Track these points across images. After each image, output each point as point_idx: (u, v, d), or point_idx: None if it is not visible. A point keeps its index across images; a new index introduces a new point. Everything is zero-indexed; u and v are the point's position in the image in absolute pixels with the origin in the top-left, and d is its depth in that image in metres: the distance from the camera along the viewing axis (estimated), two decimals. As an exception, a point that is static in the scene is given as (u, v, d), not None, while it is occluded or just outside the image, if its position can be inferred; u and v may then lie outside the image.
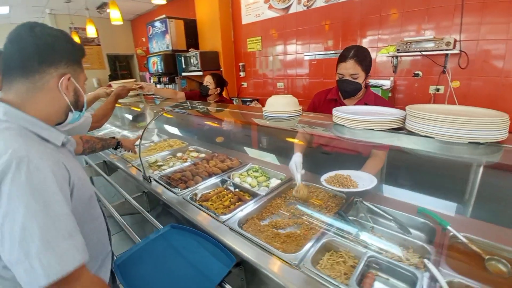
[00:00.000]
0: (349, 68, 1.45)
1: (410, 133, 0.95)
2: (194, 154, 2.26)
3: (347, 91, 1.53)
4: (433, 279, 0.87)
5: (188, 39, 4.71)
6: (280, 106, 1.32)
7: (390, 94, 2.90)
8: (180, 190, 1.60)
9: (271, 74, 4.15)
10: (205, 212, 1.36)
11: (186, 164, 2.02)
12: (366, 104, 1.57)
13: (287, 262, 0.98)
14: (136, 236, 1.35)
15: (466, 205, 1.26)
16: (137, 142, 1.88)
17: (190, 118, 2.98)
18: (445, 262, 0.94)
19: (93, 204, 0.92)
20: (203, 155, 2.24)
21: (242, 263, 1.08)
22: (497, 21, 2.23)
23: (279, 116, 1.32)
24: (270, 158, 2.11)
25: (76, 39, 5.53)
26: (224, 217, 1.28)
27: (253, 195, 1.54)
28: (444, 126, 0.82)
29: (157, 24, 4.69)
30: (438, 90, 2.65)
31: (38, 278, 0.59)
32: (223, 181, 1.72)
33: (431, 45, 2.36)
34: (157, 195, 1.63)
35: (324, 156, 1.57)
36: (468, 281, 0.86)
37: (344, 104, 1.60)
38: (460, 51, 2.38)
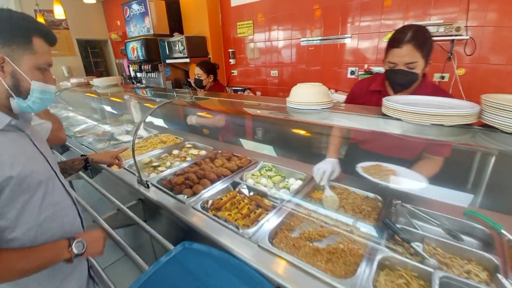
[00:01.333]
0: (405, 56, 1.14)
1: (489, 128, 0.80)
2: (194, 151, 2.01)
3: (401, 84, 1.23)
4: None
5: (171, 22, 4.28)
6: (310, 97, 1.12)
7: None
8: (186, 197, 1.37)
9: (264, 61, 3.89)
10: (222, 225, 1.15)
11: (186, 164, 1.77)
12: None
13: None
14: (140, 260, 1.11)
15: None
16: (125, 147, 1.59)
17: (180, 109, 2.69)
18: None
19: (48, 190, 0.87)
20: (203, 152, 2.00)
21: (279, 289, 0.90)
22: (504, 7, 2.15)
23: (309, 109, 1.12)
24: (280, 153, 1.92)
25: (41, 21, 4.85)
26: (249, 232, 1.08)
27: (274, 199, 1.35)
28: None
29: (135, 5, 4.20)
30: (443, 77, 2.57)
31: None
32: (235, 184, 1.50)
33: (441, 30, 2.24)
34: (158, 204, 1.38)
35: (361, 155, 1.40)
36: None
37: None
38: (470, 37, 2.29)
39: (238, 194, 1.42)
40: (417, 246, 0.95)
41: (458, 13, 2.31)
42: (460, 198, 1.15)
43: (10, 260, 0.74)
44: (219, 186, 1.47)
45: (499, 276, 0.82)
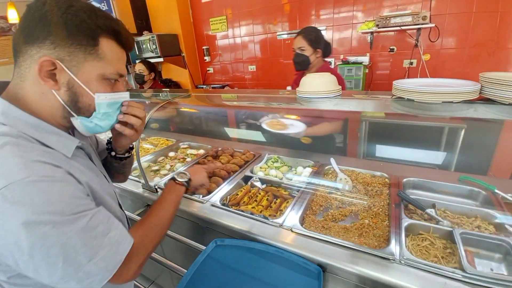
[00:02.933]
0: (297, 43, 1.79)
1: (488, 101, 0.92)
2: (192, 151, 1.96)
3: (297, 62, 1.83)
4: (522, 244, 0.89)
5: (138, 21, 4.05)
6: (321, 86, 1.18)
7: (367, 71, 2.99)
8: (202, 196, 1.36)
9: (240, 56, 3.89)
10: (250, 218, 1.16)
11: (188, 165, 1.73)
12: None
13: (383, 258, 0.88)
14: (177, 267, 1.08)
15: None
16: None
17: (173, 111, 2.59)
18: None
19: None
20: (202, 151, 1.97)
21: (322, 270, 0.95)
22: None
23: (322, 97, 1.17)
24: (277, 144, 1.97)
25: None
26: (278, 220, 1.11)
27: (289, 188, 1.39)
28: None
29: (95, 3, 3.90)
30: (411, 63, 2.83)
31: (101, 276, 0.58)
32: (246, 178, 1.52)
33: (409, 19, 2.46)
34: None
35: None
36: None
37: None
38: (434, 25, 2.54)
39: (252, 188, 1.44)
40: (431, 211, 1.07)
41: (422, 2, 2.55)
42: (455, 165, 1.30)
43: (150, 222, 0.79)
44: (230, 182, 1.48)
45: (507, 226, 0.96)
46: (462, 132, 1.67)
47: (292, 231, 1.06)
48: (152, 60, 3.91)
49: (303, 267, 0.93)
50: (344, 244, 0.95)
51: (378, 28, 2.63)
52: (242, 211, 1.22)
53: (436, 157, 2.01)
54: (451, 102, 0.92)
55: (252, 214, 1.19)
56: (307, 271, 0.92)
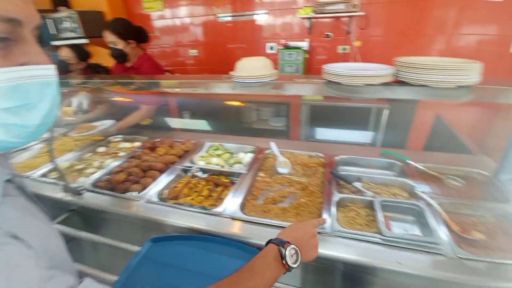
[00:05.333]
0: (106, 37, 1.79)
1: (402, 83, 1.02)
2: (126, 144, 1.78)
3: (114, 57, 1.87)
4: (427, 204, 1.04)
5: None
6: (258, 70, 1.15)
7: (307, 55, 3.10)
8: (138, 193, 1.25)
9: (180, 40, 3.64)
10: (189, 211, 1.11)
11: (122, 160, 1.57)
12: (133, 68, 1.93)
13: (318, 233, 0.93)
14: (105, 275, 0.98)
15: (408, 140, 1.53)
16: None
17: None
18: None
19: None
20: (138, 143, 1.80)
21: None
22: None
23: (259, 82, 1.15)
24: (223, 131, 1.92)
25: None
26: (218, 210, 1.09)
27: (230, 175, 1.37)
28: (436, 73, 0.91)
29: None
30: (345, 49, 3.02)
31: None
32: (186, 169, 1.44)
33: (341, 7, 2.59)
34: (100, 209, 1.20)
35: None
36: (449, 198, 1.08)
37: (125, 68, 1.96)
38: (364, 13, 2.73)
39: (192, 179, 1.38)
40: (357, 184, 1.18)
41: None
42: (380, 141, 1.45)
43: None
44: (169, 175, 1.39)
45: (417, 191, 1.11)
46: (384, 112, 1.89)
47: (232, 218, 1.04)
48: (75, 42, 3.40)
49: (243, 252, 0.94)
50: (281, 225, 0.98)
51: (316, 14, 2.71)
52: (181, 204, 1.16)
53: (364, 135, 2.23)
54: (372, 84, 1.00)
55: (191, 206, 1.14)
56: (248, 255, 0.92)
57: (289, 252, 0.66)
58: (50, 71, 0.42)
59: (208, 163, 1.50)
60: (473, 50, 2.66)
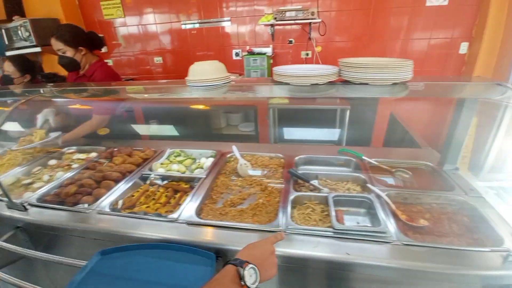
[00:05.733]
0: (54, 45, 1.68)
1: (347, 82, 1.07)
2: (80, 155, 1.68)
3: (63, 65, 1.75)
4: (377, 196, 1.09)
5: (8, 5, 3.20)
6: (210, 74, 1.15)
7: (271, 61, 3.17)
8: (88, 205, 1.17)
9: (144, 47, 3.56)
10: (143, 219, 1.06)
11: (74, 171, 1.47)
12: (85, 76, 1.84)
13: (271, 231, 0.94)
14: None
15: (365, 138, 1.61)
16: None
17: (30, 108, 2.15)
18: (375, 182, 1.20)
19: None
20: (94, 154, 1.70)
21: (218, 255, 0.95)
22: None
23: (212, 85, 1.15)
24: (186, 137, 1.88)
25: None
26: (174, 216, 1.05)
27: (190, 180, 1.34)
28: (374, 72, 0.97)
29: None
30: (307, 54, 3.14)
31: None
32: (144, 177, 1.39)
33: (300, 14, 2.70)
34: (47, 225, 1.12)
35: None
36: (396, 190, 1.14)
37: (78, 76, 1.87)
38: (321, 21, 2.87)
39: (150, 187, 1.33)
40: (314, 182, 1.21)
41: (311, 0, 2.83)
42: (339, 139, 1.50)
43: None
44: (125, 184, 1.32)
45: (369, 185, 1.16)
46: (346, 113, 1.97)
47: (187, 224, 1.02)
48: (27, 51, 3.19)
49: (197, 257, 0.91)
50: (237, 226, 0.97)
51: (276, 21, 2.80)
52: (135, 213, 1.10)
53: (328, 135, 2.31)
54: (317, 84, 1.04)
55: (145, 214, 1.09)
56: (201, 260, 0.90)
57: (248, 272, 0.65)
58: None
59: (168, 170, 1.46)
60: (425, 52, 2.89)
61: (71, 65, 1.76)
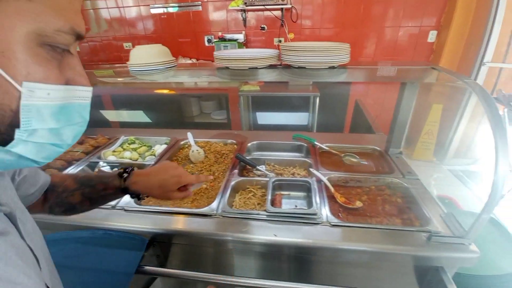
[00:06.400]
0: None
1: (286, 66, 1.07)
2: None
3: None
4: (318, 180, 1.11)
5: None
6: (151, 57, 1.12)
7: (244, 48, 3.11)
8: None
9: (111, 33, 3.41)
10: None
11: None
12: None
13: (205, 215, 0.94)
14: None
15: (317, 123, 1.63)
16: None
17: None
18: (321, 166, 1.22)
19: None
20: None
21: (154, 240, 0.95)
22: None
23: (153, 69, 1.11)
24: (141, 124, 1.85)
25: None
26: (112, 202, 1.03)
27: (140, 168, 1.32)
28: (310, 55, 0.97)
29: None
30: (280, 41, 3.10)
31: None
32: (92, 165, 1.36)
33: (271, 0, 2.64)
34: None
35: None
36: (338, 173, 1.16)
37: None
38: (292, 6, 2.82)
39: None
40: (261, 167, 1.21)
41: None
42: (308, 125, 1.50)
43: None
44: (70, 172, 1.29)
45: (311, 169, 1.17)
46: (315, 100, 1.97)
47: (124, 210, 1.00)
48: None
49: (129, 242, 0.91)
50: (173, 211, 0.97)
51: (246, 6, 2.73)
52: (74, 200, 1.08)
53: (293, 120, 2.31)
54: (256, 68, 1.03)
55: (83, 201, 1.07)
56: (133, 245, 0.90)
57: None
58: (90, 93, 0.40)
59: (120, 158, 1.43)
60: (395, 41, 2.91)
61: None
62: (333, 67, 1.01)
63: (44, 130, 0.33)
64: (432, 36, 2.90)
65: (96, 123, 1.97)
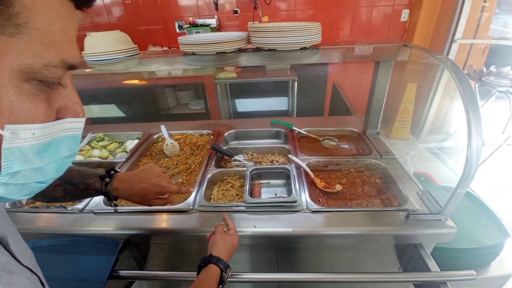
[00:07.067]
0: None
1: (256, 50, 1.01)
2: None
3: None
4: (297, 166, 1.08)
5: None
6: (109, 45, 1.01)
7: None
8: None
9: (73, 22, 3.14)
10: (45, 212, 0.96)
11: None
12: None
13: (182, 211, 0.90)
14: None
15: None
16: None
17: None
18: (300, 151, 1.19)
19: None
20: None
21: (130, 242, 0.89)
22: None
23: (112, 59, 1.01)
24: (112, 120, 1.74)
25: None
26: (79, 206, 0.96)
27: (110, 166, 1.24)
28: (280, 36, 0.91)
29: None
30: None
31: None
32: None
33: (241, -21, 2.51)
34: None
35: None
36: (317, 158, 1.15)
37: None
38: (263, -14, 2.70)
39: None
40: (239, 157, 1.17)
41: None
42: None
43: None
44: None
45: (289, 156, 1.15)
46: (293, 84, 1.93)
47: (93, 213, 0.93)
48: None
49: (100, 247, 0.85)
50: (147, 210, 0.91)
51: (216, -13, 2.59)
52: (36, 207, 0.99)
53: (272, 106, 2.27)
54: (224, 52, 0.96)
55: (48, 207, 0.98)
56: (104, 249, 0.84)
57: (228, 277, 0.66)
58: (82, 124, 0.36)
59: (89, 157, 1.33)
60: (370, 21, 2.90)
61: None
62: (305, 48, 0.96)
63: (28, 170, 0.31)
64: (405, 15, 2.91)
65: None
